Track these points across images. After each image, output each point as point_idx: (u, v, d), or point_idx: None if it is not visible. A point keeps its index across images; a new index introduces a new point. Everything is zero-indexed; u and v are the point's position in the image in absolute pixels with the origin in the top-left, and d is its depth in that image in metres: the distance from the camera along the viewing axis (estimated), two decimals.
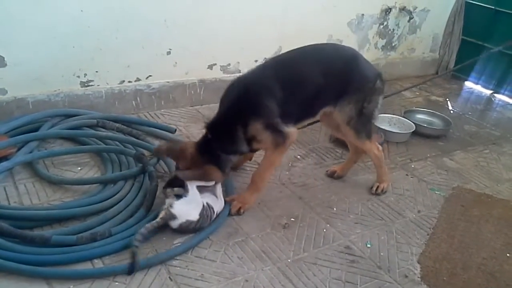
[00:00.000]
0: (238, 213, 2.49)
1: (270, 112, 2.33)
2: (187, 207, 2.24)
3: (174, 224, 2.23)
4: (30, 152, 2.69)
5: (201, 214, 2.26)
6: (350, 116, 2.54)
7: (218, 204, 2.40)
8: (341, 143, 3.36)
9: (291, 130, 2.41)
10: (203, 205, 2.28)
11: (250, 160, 2.94)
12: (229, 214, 2.47)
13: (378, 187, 2.86)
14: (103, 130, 3.02)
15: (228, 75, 3.72)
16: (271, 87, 2.34)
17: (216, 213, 2.38)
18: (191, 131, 3.31)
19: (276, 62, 2.55)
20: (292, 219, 2.54)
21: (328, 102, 2.54)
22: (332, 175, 2.99)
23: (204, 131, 2.40)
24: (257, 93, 2.34)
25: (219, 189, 2.45)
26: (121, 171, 2.70)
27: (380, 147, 2.82)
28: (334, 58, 2.57)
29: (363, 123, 2.59)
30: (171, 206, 2.22)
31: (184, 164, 2.36)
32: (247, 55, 3.77)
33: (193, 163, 2.33)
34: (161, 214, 2.22)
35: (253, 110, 2.33)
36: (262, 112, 2.33)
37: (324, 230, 2.50)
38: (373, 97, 2.56)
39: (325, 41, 4.06)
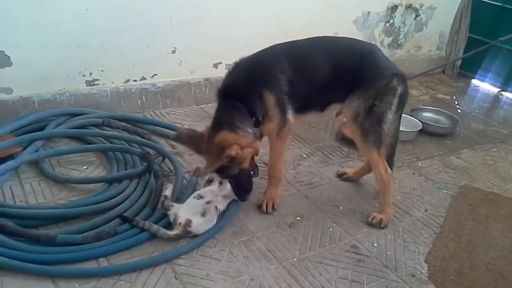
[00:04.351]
0: (273, 209, 2.53)
1: (281, 86, 2.31)
2: (204, 224, 2.26)
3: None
4: (36, 151, 2.70)
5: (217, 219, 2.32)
6: (358, 112, 2.41)
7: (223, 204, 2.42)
8: (347, 142, 3.34)
9: (290, 117, 2.39)
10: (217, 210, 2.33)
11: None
12: (266, 213, 2.51)
13: (375, 217, 2.54)
14: (109, 129, 3.03)
15: None
16: (283, 63, 2.33)
17: (219, 210, 2.38)
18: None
19: (287, 44, 2.49)
20: (298, 218, 2.53)
21: (338, 96, 2.46)
22: (341, 176, 2.96)
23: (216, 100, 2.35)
24: (271, 66, 2.33)
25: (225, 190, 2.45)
26: (126, 170, 2.70)
27: (390, 170, 2.56)
28: (348, 51, 2.51)
29: (372, 124, 2.40)
30: (189, 225, 2.20)
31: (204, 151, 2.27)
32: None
33: (208, 143, 2.23)
34: (176, 231, 2.20)
35: (267, 80, 2.31)
36: (274, 84, 2.31)
37: (330, 229, 2.48)
38: (385, 96, 2.39)
39: None
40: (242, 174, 2.31)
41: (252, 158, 2.37)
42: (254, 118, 2.30)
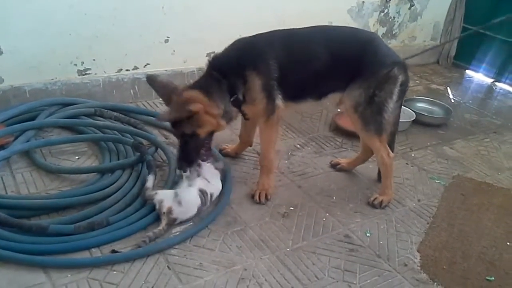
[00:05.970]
0: (266, 199, 2.52)
1: (270, 71, 2.31)
2: (185, 208, 2.25)
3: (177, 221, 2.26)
4: (27, 141, 2.67)
5: (199, 209, 2.30)
6: (358, 102, 2.40)
7: (211, 187, 2.40)
8: (341, 132, 3.34)
9: (281, 103, 2.39)
10: (201, 199, 2.30)
11: (251, 146, 2.93)
12: (259, 203, 2.50)
13: (376, 198, 2.62)
14: (101, 119, 3.00)
15: None
16: (276, 48, 2.34)
17: (211, 195, 2.37)
18: None
19: (285, 31, 2.48)
20: (291, 208, 2.53)
21: (337, 85, 2.45)
22: (335, 166, 2.95)
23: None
24: (262, 49, 2.34)
25: (210, 171, 2.44)
26: (118, 160, 2.69)
27: (392, 154, 2.61)
28: (349, 39, 2.49)
29: (372, 113, 2.41)
30: (170, 213, 2.20)
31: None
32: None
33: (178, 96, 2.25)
34: (164, 222, 2.19)
35: (255, 63, 2.32)
36: (263, 68, 2.31)
37: (324, 219, 2.49)
38: (386, 85, 2.38)
39: None
40: (193, 139, 2.28)
41: (210, 136, 2.36)
42: (235, 96, 2.33)
